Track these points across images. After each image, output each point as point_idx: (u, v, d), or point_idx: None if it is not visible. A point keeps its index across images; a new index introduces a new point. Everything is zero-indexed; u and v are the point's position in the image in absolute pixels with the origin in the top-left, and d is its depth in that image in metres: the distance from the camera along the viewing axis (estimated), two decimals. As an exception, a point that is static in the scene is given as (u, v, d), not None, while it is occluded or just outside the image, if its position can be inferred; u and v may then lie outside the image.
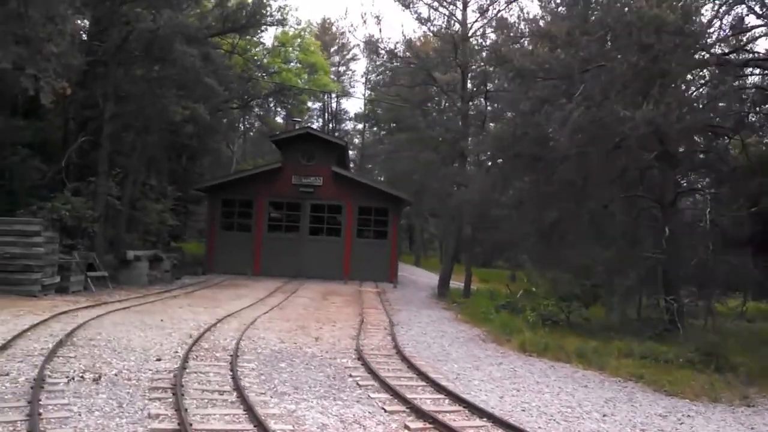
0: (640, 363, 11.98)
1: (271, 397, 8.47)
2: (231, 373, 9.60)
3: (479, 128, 26.54)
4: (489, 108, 28.18)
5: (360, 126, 72.68)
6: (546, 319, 15.91)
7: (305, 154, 32.43)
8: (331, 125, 69.91)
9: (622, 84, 12.39)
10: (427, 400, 8.64)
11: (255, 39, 38.39)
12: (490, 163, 23.39)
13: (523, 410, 8.44)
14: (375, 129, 72.98)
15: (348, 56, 72.73)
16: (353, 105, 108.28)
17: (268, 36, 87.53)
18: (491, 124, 27.54)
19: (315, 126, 62.40)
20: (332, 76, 62.74)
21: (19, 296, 17.53)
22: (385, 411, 8.07)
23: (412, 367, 10.90)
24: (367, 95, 71.60)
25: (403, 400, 8.38)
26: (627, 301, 15.81)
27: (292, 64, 45.59)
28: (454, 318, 20.07)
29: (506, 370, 11.44)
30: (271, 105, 46.02)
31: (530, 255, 20.91)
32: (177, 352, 11.08)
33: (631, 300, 15.56)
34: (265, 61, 41.74)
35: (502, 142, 15.62)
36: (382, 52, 29.68)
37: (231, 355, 11.11)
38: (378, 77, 63.57)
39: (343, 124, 74.98)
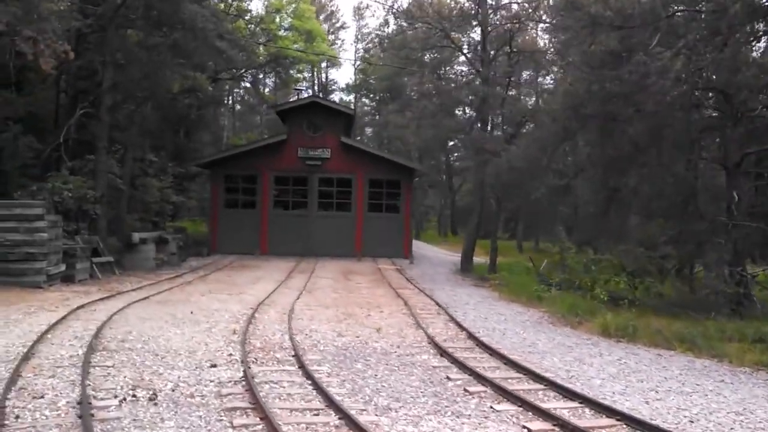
0: (760, 348, 10.46)
1: (378, 415, 6.83)
2: (310, 382, 7.95)
3: (503, 90, 24.76)
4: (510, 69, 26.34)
5: (348, 98, 70.47)
6: (617, 298, 14.37)
7: (311, 124, 30.55)
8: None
9: (728, 28, 10.72)
10: (564, 410, 7.04)
11: (244, 5, 36.25)
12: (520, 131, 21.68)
13: (691, 422, 6.85)
14: (365, 100, 70.99)
15: (338, 24, 70.45)
16: (342, 76, 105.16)
17: (259, 2, 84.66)
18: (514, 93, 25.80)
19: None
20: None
21: (23, 288, 15.72)
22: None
23: (510, 362, 9.31)
24: (357, 65, 69.44)
25: (542, 413, 6.76)
26: (714, 274, 14.30)
27: (284, 32, 43.38)
28: (497, 297, 18.53)
29: (615, 362, 9.88)
30: (267, 76, 43.69)
31: (587, 226, 19.24)
32: (231, 354, 9.37)
33: (719, 273, 14.05)
34: (258, 29, 39.52)
35: (574, 99, 13.91)
36: (392, 13, 27.62)
37: (293, 356, 9.46)
38: (373, 43, 61.41)
39: (332, 96, 72.72)
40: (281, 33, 39.79)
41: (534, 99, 24.38)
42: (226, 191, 30.73)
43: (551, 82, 24.87)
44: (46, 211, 16.59)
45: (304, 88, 38.60)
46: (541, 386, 8.07)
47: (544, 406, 7.06)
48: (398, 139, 56.88)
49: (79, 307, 12.98)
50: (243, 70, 38.99)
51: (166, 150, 28.27)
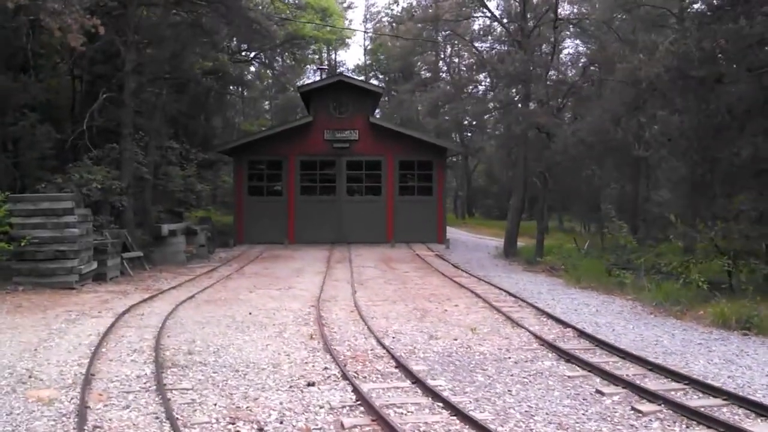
0: None
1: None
2: (441, 404, 6.52)
3: (547, 61, 23.13)
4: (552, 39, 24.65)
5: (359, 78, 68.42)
6: (715, 283, 12.87)
7: (337, 105, 28.94)
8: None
9: None
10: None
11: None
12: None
13: None
14: (374, 81, 69.10)
15: (345, 4, 68.43)
16: (351, 57, 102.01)
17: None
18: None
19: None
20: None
21: (53, 289, 14.30)
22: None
23: (656, 367, 7.85)
24: (366, 45, 67.56)
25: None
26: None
27: (297, 11, 41.56)
28: (565, 284, 17.05)
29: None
30: (280, 57, 41.85)
31: (678, 203, 17.60)
32: (327, 368, 7.93)
33: None
34: (271, 7, 37.72)
35: (677, 59, 12.27)
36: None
37: (397, 367, 8.03)
38: (388, 19, 59.54)
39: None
40: (298, 12, 37.93)
41: (579, 70, 22.69)
42: (250, 178, 29.22)
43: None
44: (76, 204, 15.09)
45: (326, 68, 36.49)
46: (722, 401, 6.61)
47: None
48: (410, 121, 55.27)
49: (125, 312, 11.52)
50: (256, 52, 37.21)
51: (187, 136, 26.67)
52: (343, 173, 29.09)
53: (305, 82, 39.29)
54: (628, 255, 19.77)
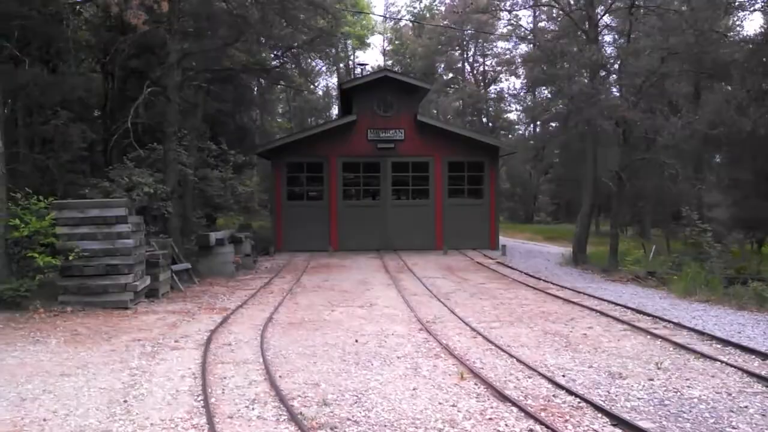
0: None
1: None
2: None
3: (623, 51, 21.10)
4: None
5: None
6: None
7: (382, 103, 26.96)
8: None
9: None
10: None
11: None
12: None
13: None
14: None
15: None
16: (369, 58, 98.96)
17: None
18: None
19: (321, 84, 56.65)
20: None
21: (106, 309, 12.31)
22: None
23: None
24: (385, 47, 65.58)
25: None
26: None
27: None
28: (676, 295, 14.97)
29: None
30: (308, 56, 39.64)
31: None
32: (532, 431, 5.83)
33: None
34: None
35: None
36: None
37: (617, 425, 5.95)
38: (412, 17, 57.60)
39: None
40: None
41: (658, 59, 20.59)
42: (289, 181, 27.24)
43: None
44: (128, 211, 13.07)
45: (367, 64, 34.34)
46: None
47: None
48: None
49: (207, 341, 9.48)
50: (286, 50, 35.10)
51: (224, 136, 24.66)
52: (388, 176, 27.12)
53: (333, 81, 37.26)
54: (723, 263, 17.86)
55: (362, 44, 62.19)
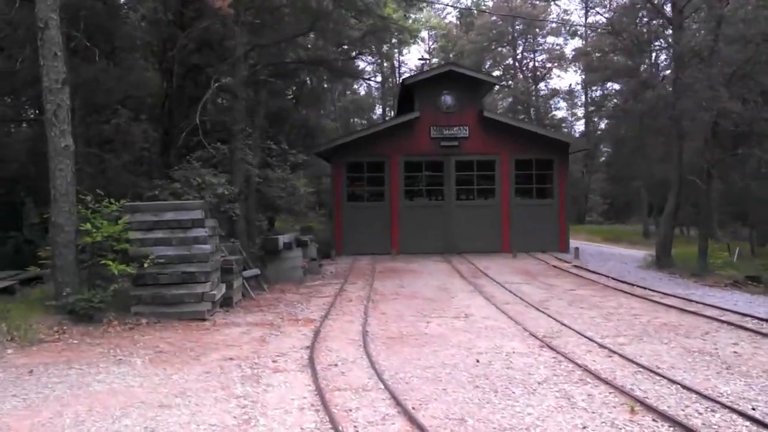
0: None
1: None
2: None
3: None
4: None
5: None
6: None
7: (446, 99, 25.70)
8: (391, 82, 61.64)
9: None
10: None
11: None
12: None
13: None
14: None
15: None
16: (414, 56, 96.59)
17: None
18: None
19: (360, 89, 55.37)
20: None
21: (182, 321, 11.27)
22: None
23: None
24: (430, 45, 64.18)
25: None
26: None
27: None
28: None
29: None
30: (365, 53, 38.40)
31: None
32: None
33: None
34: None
35: None
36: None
37: None
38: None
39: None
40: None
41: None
42: (349, 182, 26.15)
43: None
44: (205, 214, 12.03)
45: (429, 58, 32.83)
46: None
47: None
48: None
49: (310, 361, 8.35)
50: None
51: (285, 135, 23.62)
52: (451, 175, 25.86)
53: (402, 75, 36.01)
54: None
55: (414, 40, 60.79)
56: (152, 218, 11.73)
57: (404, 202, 25.90)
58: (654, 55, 19.87)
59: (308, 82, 26.38)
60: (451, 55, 60.55)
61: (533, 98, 57.86)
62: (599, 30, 32.73)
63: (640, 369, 8.06)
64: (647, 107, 21.79)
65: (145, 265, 11.09)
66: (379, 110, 61.30)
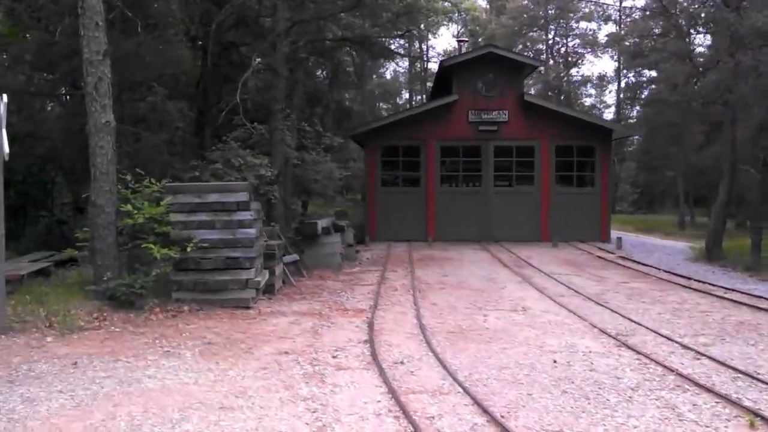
0: None
1: None
2: None
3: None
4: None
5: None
6: None
7: (485, 82, 24.84)
8: (418, 66, 60.18)
9: None
10: None
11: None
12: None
13: None
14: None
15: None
16: (443, 41, 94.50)
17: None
18: None
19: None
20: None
21: (225, 309, 10.68)
22: None
23: None
24: (459, 30, 62.86)
25: None
26: None
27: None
28: None
29: None
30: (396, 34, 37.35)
31: None
32: None
33: None
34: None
35: None
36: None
37: None
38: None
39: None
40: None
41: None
42: (383, 166, 25.43)
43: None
44: (250, 196, 11.39)
45: (467, 41, 31.74)
46: None
47: None
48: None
49: (373, 357, 7.68)
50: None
51: (317, 116, 22.90)
52: (489, 161, 25.06)
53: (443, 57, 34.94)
54: None
55: (447, 21, 59.43)
56: (195, 200, 11.11)
57: (440, 188, 25.17)
58: (703, 37, 18.91)
59: (348, 60, 25.56)
60: (479, 40, 59.36)
61: (564, 84, 56.61)
62: (647, 11, 31.44)
63: (738, 374, 7.32)
64: (702, 92, 20.76)
65: (189, 249, 10.47)
66: (406, 95, 60.34)
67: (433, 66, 71.00)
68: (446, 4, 34.77)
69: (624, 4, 54.68)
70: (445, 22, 36.01)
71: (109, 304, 10.14)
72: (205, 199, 11.10)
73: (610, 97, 58.98)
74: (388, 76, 60.85)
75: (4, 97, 8.48)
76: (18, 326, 9.00)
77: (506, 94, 24.71)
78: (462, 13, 43.07)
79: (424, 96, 61.67)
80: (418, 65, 59.17)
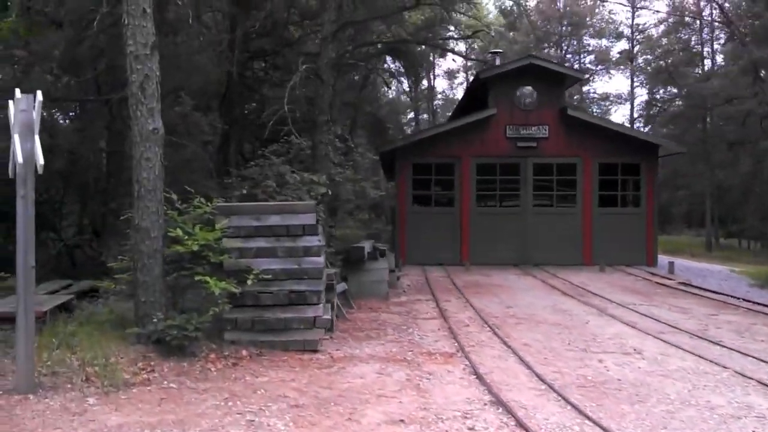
0: None
1: None
2: None
3: None
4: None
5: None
6: None
7: (523, 95, 23.29)
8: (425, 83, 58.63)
9: None
10: None
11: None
12: None
13: None
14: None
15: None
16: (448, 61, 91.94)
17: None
18: None
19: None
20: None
21: (287, 351, 8.80)
22: None
23: None
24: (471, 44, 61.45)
25: None
26: None
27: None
28: None
29: None
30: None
31: None
32: None
33: None
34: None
35: None
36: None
37: None
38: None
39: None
40: None
41: None
42: (415, 185, 23.75)
43: None
44: (317, 219, 9.63)
45: (500, 52, 30.11)
46: None
47: None
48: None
49: (524, 429, 5.89)
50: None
51: (346, 129, 21.22)
52: (528, 179, 23.41)
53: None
54: None
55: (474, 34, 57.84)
56: (253, 223, 9.34)
57: (475, 208, 23.51)
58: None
59: (381, 69, 23.92)
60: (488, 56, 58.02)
61: (576, 100, 55.34)
62: (685, 17, 30.06)
63: None
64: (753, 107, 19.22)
65: (249, 282, 8.67)
66: (411, 114, 58.69)
67: (441, 84, 69.62)
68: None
69: (637, 21, 53.75)
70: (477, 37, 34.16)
71: (155, 350, 8.33)
72: (264, 222, 9.33)
73: (616, 116, 57.84)
74: (390, 95, 59.25)
75: (39, 95, 6.72)
76: (48, 381, 7.19)
77: (546, 107, 23.17)
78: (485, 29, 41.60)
79: (431, 115, 60.25)
80: (425, 83, 57.66)
